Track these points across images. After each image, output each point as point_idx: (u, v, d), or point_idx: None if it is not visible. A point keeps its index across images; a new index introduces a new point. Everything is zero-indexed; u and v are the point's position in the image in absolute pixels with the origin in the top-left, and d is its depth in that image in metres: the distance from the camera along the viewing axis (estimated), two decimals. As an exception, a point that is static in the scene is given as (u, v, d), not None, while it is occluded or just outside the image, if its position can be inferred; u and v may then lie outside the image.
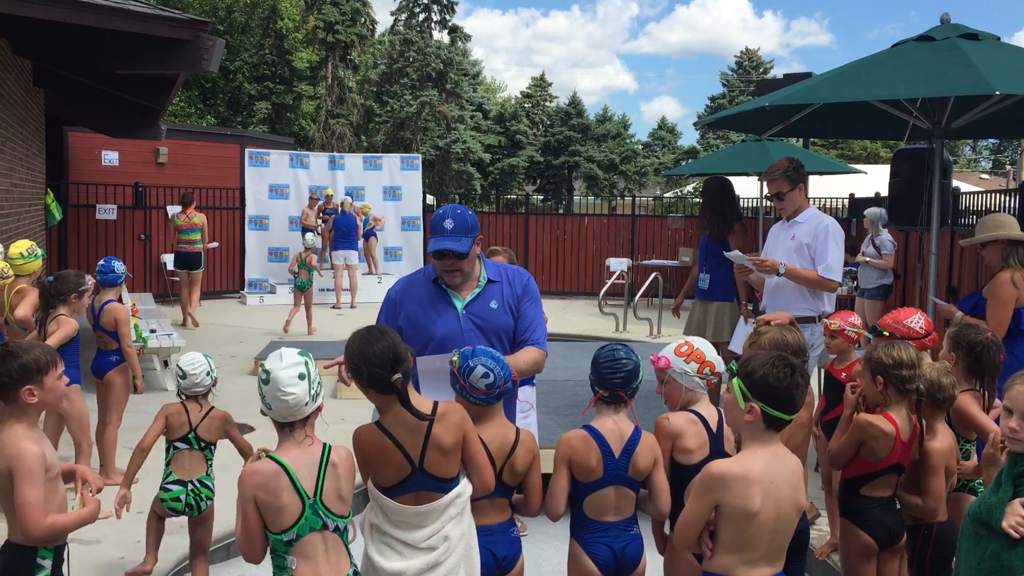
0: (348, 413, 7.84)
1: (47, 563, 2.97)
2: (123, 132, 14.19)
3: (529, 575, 3.39)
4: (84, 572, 4.38)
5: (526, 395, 4.82)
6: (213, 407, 4.48)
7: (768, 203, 16.85)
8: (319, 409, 2.81)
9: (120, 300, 6.01)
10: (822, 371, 5.38)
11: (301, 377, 2.71)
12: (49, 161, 13.77)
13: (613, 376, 3.16)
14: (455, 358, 3.12)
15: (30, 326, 5.46)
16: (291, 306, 12.69)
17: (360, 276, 15.94)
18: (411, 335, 3.54)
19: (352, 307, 15.40)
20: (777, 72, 51.92)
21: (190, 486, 4.36)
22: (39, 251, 5.79)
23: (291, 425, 2.76)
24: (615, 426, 3.18)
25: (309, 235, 13.47)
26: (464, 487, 2.99)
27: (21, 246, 5.67)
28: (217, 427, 4.45)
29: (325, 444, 2.81)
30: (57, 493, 3.03)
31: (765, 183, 5.76)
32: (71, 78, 10.73)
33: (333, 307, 15.37)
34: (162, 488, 4.42)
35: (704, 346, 3.33)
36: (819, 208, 6.12)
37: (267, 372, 2.71)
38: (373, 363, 2.83)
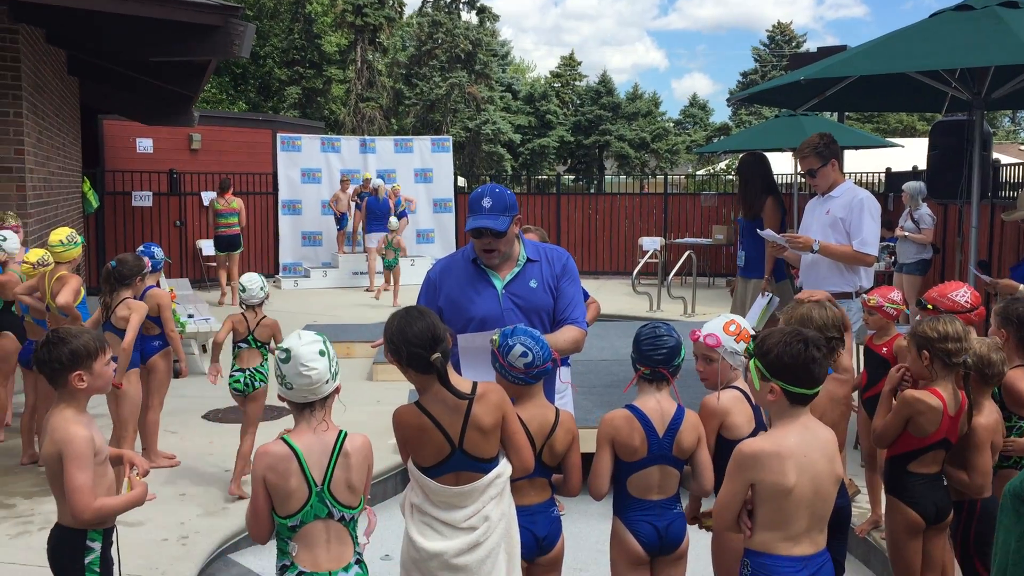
0: (384, 395, 7.90)
1: (96, 545, 3.02)
2: (157, 119, 14.33)
3: (568, 555, 3.40)
4: (130, 552, 4.46)
5: (563, 375, 4.83)
6: (265, 315, 5.59)
7: (803, 179, 16.66)
8: (337, 391, 2.81)
9: (158, 285, 6.06)
10: (861, 347, 5.31)
11: (321, 354, 2.72)
12: (85, 149, 13.95)
13: (655, 353, 3.14)
14: (495, 336, 3.12)
15: (72, 312, 5.53)
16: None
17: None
18: (451, 316, 3.54)
19: (386, 289, 15.44)
20: (810, 46, 51.17)
21: (247, 372, 5.49)
22: (79, 239, 5.85)
23: (311, 406, 2.75)
24: (658, 405, 3.16)
25: (392, 219, 14.42)
26: (504, 467, 2.99)
27: (61, 233, 5.73)
28: (267, 332, 5.57)
29: (341, 431, 2.80)
30: (106, 477, 3.08)
31: (797, 161, 5.68)
32: (105, 66, 10.83)
33: (367, 290, 15.43)
34: (229, 377, 5.55)
35: (748, 325, 3.34)
36: (855, 183, 6.02)
37: (287, 351, 2.70)
38: (412, 343, 2.84)
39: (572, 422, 3.20)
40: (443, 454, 2.91)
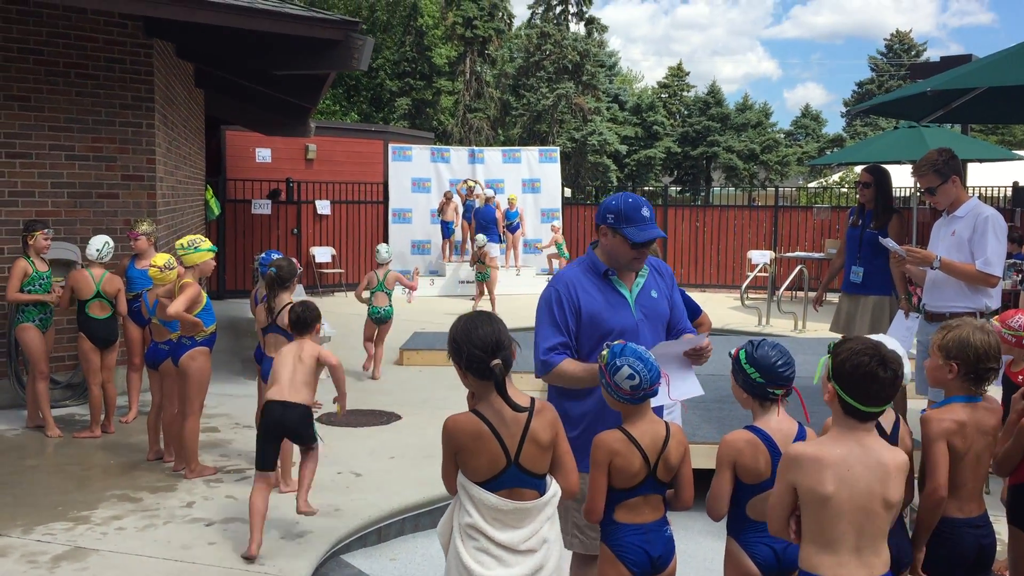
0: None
1: None
2: (276, 130, 14.81)
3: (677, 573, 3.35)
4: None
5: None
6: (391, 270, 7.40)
7: (922, 195, 16.09)
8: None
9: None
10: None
11: None
12: (208, 159, 14.54)
13: (787, 371, 3.06)
14: (604, 352, 3.07)
15: (182, 318, 5.69)
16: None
17: (501, 268, 16.14)
18: (588, 330, 3.49)
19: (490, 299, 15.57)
20: (931, 54, 49.48)
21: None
22: (205, 244, 6.01)
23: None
24: (779, 426, 3.07)
25: (480, 236, 14.56)
26: (556, 488, 2.95)
27: (185, 239, 5.97)
28: (393, 279, 8.19)
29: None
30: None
31: (916, 180, 5.48)
32: (229, 79, 11.28)
33: (473, 299, 15.59)
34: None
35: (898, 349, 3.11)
36: (980, 198, 5.79)
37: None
38: (475, 344, 2.84)
39: (682, 434, 3.16)
40: (498, 467, 2.85)
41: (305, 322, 5.11)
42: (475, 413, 2.89)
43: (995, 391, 3.79)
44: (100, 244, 6.82)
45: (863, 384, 2.60)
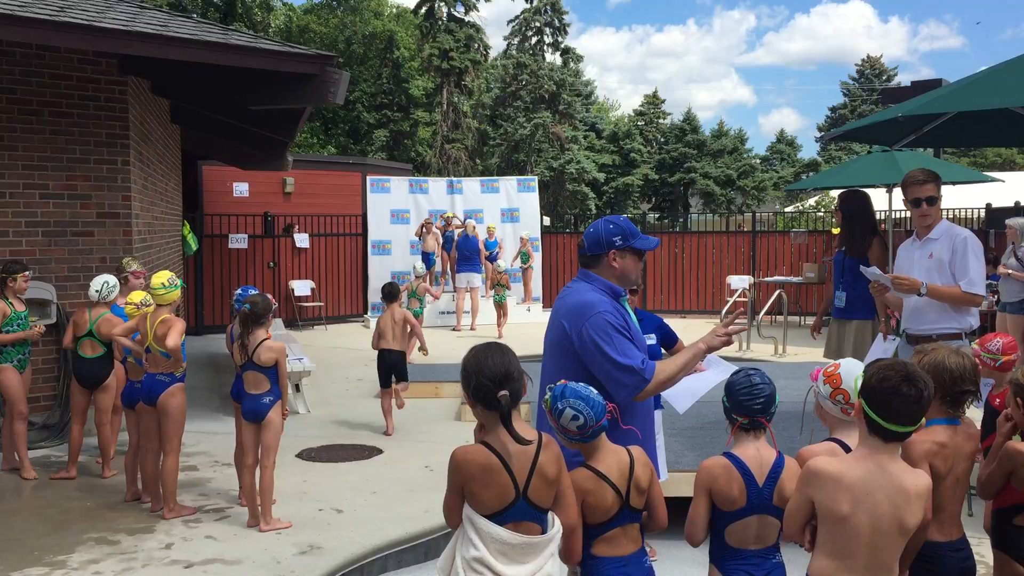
0: (472, 435, 7.90)
1: None
2: (253, 164, 14.78)
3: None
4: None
5: (656, 420, 4.76)
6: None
7: (898, 215, 16.26)
8: None
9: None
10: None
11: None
12: (185, 194, 14.48)
13: (752, 403, 3.05)
14: (547, 396, 3.04)
15: (177, 354, 5.70)
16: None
17: (481, 299, 16.13)
18: None
19: (472, 329, 15.56)
20: (903, 79, 50.16)
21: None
22: (179, 281, 6.03)
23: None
24: (757, 453, 3.07)
25: (500, 261, 15.33)
26: (558, 523, 2.94)
27: (162, 276, 5.92)
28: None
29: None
30: None
31: (910, 188, 5.43)
32: (205, 114, 11.26)
33: (454, 329, 15.56)
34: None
35: (848, 371, 3.13)
36: (955, 219, 5.84)
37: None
38: (483, 373, 2.83)
39: (645, 455, 3.14)
40: (506, 500, 2.83)
41: (393, 294, 8.38)
42: (484, 444, 2.88)
43: (976, 413, 3.80)
44: (99, 284, 6.66)
45: (886, 399, 2.64)
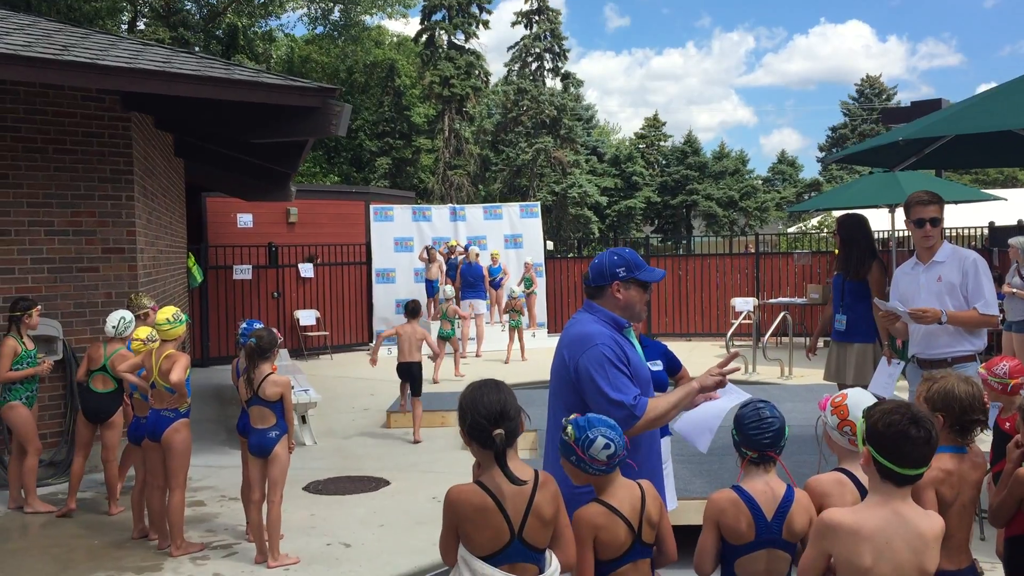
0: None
1: None
2: (256, 196, 14.84)
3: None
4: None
5: (664, 448, 4.75)
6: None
7: (900, 234, 16.25)
8: None
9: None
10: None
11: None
12: (189, 226, 14.53)
13: (761, 437, 3.04)
14: (569, 429, 2.98)
15: (181, 389, 5.71)
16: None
17: (486, 325, 16.13)
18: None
19: (477, 356, 15.55)
20: (902, 97, 50.36)
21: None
22: (183, 316, 6.03)
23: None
24: (766, 487, 3.05)
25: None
26: (556, 563, 2.90)
27: (167, 312, 5.93)
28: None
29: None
30: None
31: (914, 209, 5.41)
32: (208, 147, 11.32)
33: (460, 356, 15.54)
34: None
35: (856, 402, 3.13)
36: (957, 237, 5.84)
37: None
38: (479, 411, 2.81)
39: (653, 488, 3.12)
40: (501, 541, 2.79)
41: (415, 311, 9.53)
42: (479, 485, 2.84)
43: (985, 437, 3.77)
44: (116, 320, 6.68)
45: (897, 444, 2.59)
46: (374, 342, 10.81)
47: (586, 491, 3.14)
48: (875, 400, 3.07)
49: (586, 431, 2.93)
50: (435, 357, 12.36)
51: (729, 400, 3.72)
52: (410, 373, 9.34)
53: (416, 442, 8.97)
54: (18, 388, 6.78)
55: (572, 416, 3.02)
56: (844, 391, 3.22)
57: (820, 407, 3.26)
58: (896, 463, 2.61)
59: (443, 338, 12.85)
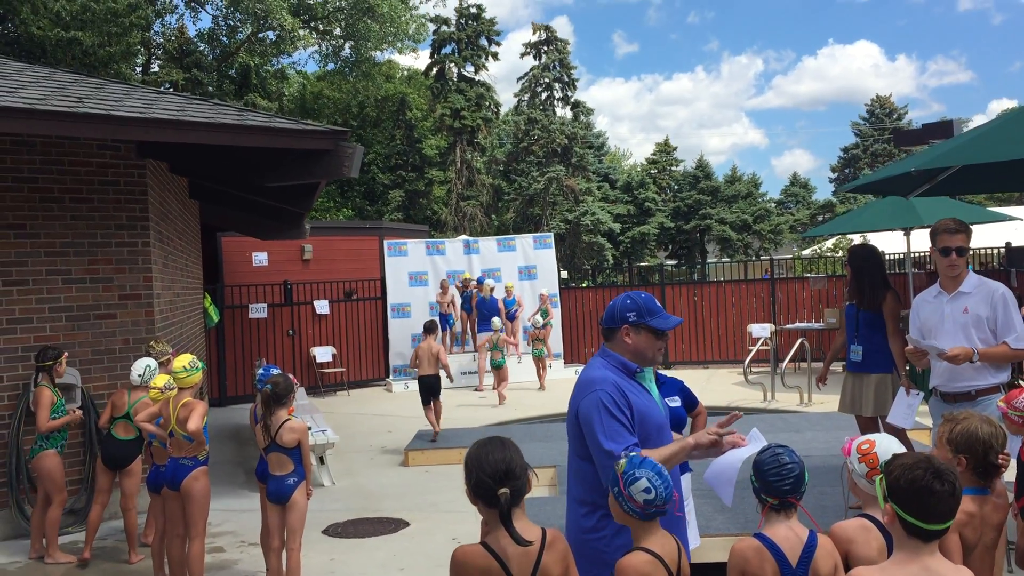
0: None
1: None
2: (271, 234, 14.93)
3: None
4: None
5: (684, 485, 4.71)
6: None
7: (917, 255, 16.17)
8: None
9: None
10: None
11: None
12: (205, 266, 14.62)
13: (782, 484, 3.00)
14: (623, 461, 2.94)
15: (199, 438, 5.72)
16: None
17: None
18: (639, 429, 3.35)
19: (494, 389, 15.50)
20: (913, 115, 50.30)
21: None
22: (200, 364, 6.07)
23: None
24: (789, 532, 3.01)
25: (538, 317, 15.89)
26: None
27: (184, 360, 5.96)
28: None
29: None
30: None
31: (941, 236, 5.31)
32: (222, 190, 11.41)
33: (475, 389, 15.52)
34: None
35: (885, 450, 3.09)
36: (973, 257, 5.78)
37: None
38: (484, 470, 2.77)
39: (679, 541, 3.07)
40: None
41: (431, 328, 10.96)
42: (484, 546, 2.80)
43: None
44: (141, 368, 6.71)
45: (921, 500, 2.54)
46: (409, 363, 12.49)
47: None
48: (901, 449, 3.04)
49: (635, 469, 2.87)
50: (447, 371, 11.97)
51: (756, 446, 3.66)
52: (428, 384, 10.58)
53: (436, 433, 10.38)
54: (55, 436, 6.89)
55: (633, 452, 2.99)
56: (870, 436, 3.19)
57: (844, 452, 3.22)
58: (922, 519, 2.56)
59: (496, 367, 14.46)
